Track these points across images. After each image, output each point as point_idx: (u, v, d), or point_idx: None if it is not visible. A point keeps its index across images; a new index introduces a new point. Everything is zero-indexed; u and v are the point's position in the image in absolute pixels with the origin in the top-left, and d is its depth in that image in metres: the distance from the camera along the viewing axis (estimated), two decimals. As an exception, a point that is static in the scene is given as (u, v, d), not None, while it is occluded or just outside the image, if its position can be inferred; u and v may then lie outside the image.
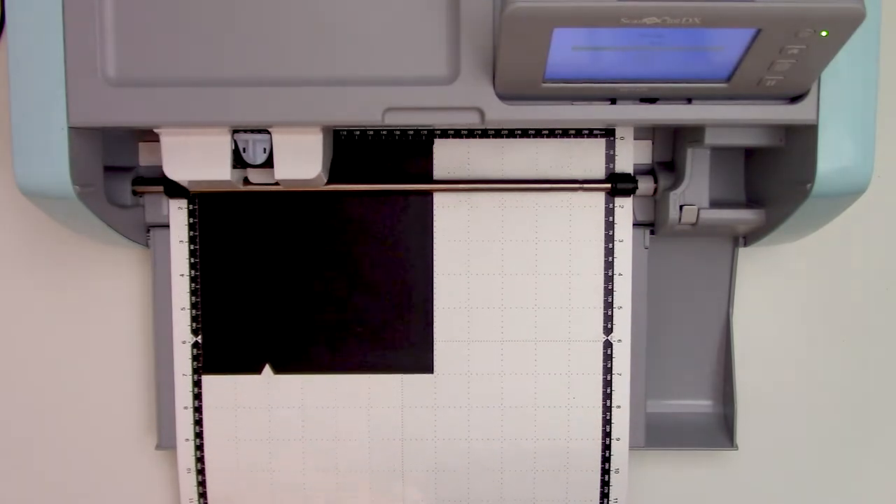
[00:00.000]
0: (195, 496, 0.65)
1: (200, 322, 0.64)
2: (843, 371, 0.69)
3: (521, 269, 0.63)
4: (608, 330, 0.63)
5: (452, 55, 0.52)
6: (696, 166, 0.60)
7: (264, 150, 0.56)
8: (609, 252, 0.63)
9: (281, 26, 0.52)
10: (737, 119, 0.52)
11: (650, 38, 0.46)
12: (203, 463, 0.65)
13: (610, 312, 0.63)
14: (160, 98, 0.52)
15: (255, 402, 0.64)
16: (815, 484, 0.70)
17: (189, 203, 0.63)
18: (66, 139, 0.52)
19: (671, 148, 0.63)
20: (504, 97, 0.52)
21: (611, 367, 0.64)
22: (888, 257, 0.68)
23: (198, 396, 0.64)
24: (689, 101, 0.52)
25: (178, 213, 0.63)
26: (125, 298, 0.68)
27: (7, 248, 0.68)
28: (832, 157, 0.52)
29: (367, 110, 0.52)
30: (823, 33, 0.44)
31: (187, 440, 0.65)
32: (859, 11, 0.42)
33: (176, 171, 0.56)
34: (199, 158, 0.55)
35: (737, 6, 0.43)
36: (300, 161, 0.56)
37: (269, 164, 0.56)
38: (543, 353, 0.64)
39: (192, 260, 0.63)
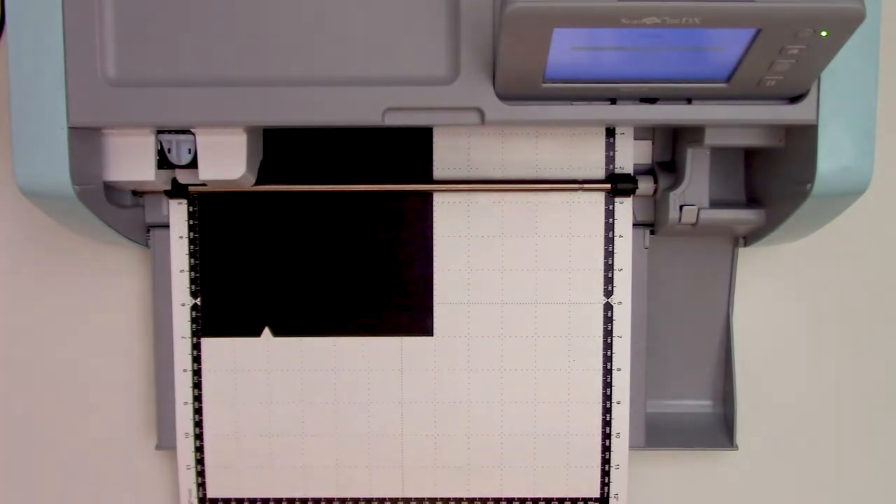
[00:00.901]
0: (192, 462, 0.65)
1: (199, 284, 0.64)
2: (843, 371, 0.69)
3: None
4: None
5: (452, 55, 0.52)
6: (696, 166, 0.60)
7: (189, 150, 0.56)
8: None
9: (281, 26, 0.52)
10: (737, 119, 0.52)
11: (650, 39, 0.46)
12: (202, 427, 0.65)
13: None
14: (160, 98, 0.52)
15: (255, 364, 0.64)
16: (815, 484, 0.70)
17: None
18: (66, 139, 0.52)
19: (671, 148, 0.63)
20: (504, 97, 0.52)
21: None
22: (888, 257, 0.68)
23: (197, 359, 0.64)
24: (689, 101, 0.52)
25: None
26: (125, 299, 0.68)
27: (7, 248, 0.68)
28: (832, 157, 0.52)
29: (367, 110, 0.52)
30: (823, 33, 0.44)
31: (186, 411, 0.65)
32: (859, 11, 0.42)
33: (110, 172, 0.56)
34: (126, 159, 0.56)
35: (737, 6, 0.43)
36: (224, 162, 0.56)
37: (194, 164, 0.56)
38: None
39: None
